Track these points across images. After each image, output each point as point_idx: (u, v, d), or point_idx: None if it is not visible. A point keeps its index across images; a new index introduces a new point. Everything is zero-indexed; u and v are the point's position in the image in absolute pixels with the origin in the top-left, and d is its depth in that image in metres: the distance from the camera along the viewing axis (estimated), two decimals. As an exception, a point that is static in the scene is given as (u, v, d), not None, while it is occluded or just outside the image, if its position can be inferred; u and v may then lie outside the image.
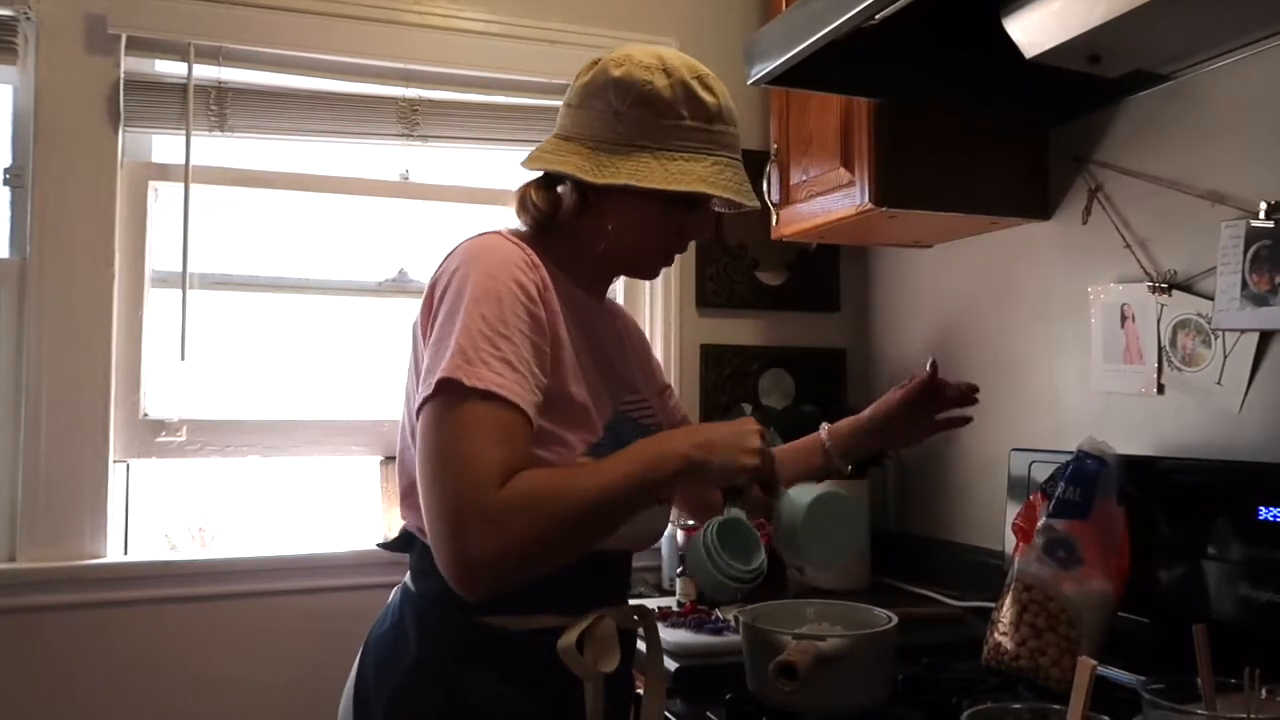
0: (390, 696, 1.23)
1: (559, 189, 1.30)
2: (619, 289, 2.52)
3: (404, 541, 1.31)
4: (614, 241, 1.28)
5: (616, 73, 1.24)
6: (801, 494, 1.27)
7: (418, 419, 1.12)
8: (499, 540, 1.05)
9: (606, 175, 1.22)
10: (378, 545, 1.39)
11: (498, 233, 1.26)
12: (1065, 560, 1.49)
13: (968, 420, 1.65)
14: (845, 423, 1.63)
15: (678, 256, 1.39)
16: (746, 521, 1.26)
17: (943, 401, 1.63)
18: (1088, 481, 1.51)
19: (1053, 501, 1.54)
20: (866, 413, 1.62)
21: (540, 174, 1.32)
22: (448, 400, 1.09)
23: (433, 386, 1.09)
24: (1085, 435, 1.58)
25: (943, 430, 1.66)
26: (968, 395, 1.63)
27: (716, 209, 1.34)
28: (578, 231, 1.29)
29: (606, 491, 1.11)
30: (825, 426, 1.63)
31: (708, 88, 1.25)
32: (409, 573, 1.32)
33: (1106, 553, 1.48)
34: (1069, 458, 1.58)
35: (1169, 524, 1.54)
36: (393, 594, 1.34)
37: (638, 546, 1.37)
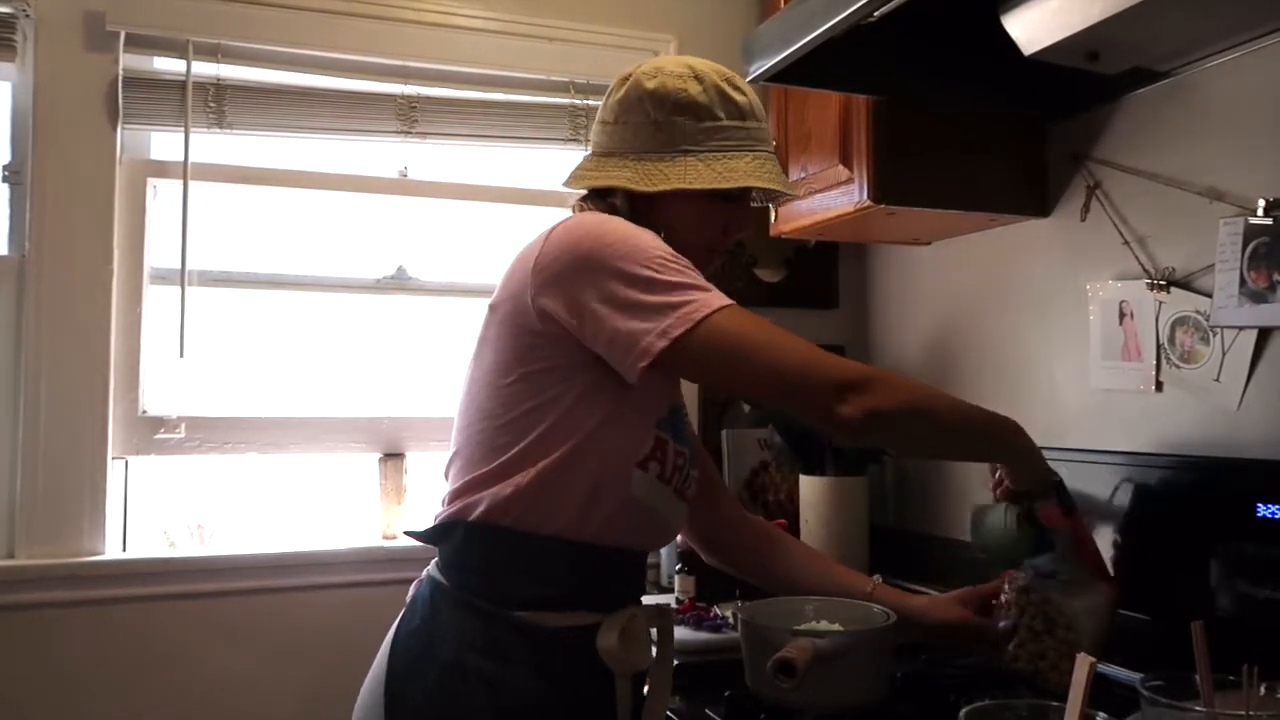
0: (428, 694, 1.22)
1: (609, 200, 1.35)
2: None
3: (439, 533, 1.30)
4: (669, 243, 1.31)
5: (650, 85, 1.31)
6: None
7: (672, 362, 1.17)
8: (870, 370, 1.23)
9: (657, 183, 1.28)
10: (406, 533, 1.38)
11: (589, 211, 1.33)
12: (1057, 574, 1.49)
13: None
14: (895, 597, 1.50)
15: None
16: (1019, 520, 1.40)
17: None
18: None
19: None
20: (923, 607, 1.50)
21: (584, 192, 1.37)
22: (723, 325, 1.19)
23: (695, 322, 1.17)
24: (1084, 432, 1.58)
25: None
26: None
27: (752, 203, 1.42)
28: None
29: (965, 410, 1.31)
30: (877, 581, 1.54)
31: (736, 88, 1.33)
32: (439, 567, 1.31)
33: (1100, 568, 1.48)
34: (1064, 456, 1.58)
35: (1167, 521, 1.54)
36: (415, 588, 1.34)
37: (656, 545, 1.39)
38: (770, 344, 1.21)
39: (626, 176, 1.30)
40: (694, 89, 1.30)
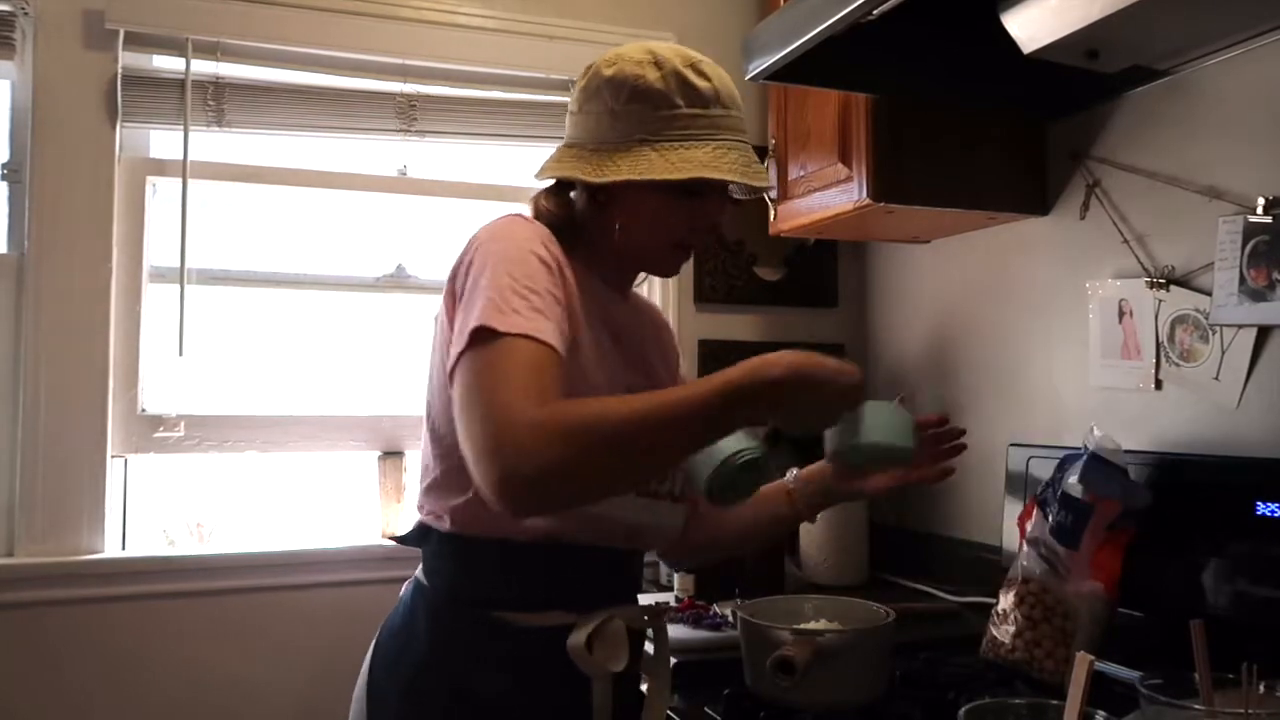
0: (403, 691, 1.24)
1: (571, 194, 1.32)
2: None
3: (418, 535, 1.31)
4: (624, 238, 1.29)
5: (609, 72, 1.26)
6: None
7: (452, 379, 1.10)
8: (545, 446, 1.00)
9: (607, 174, 1.22)
10: (391, 538, 1.39)
11: (518, 215, 1.28)
12: (1057, 568, 1.50)
13: (949, 473, 1.46)
14: (815, 467, 1.47)
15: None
16: (761, 468, 1.24)
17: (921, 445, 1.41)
18: (1080, 514, 1.50)
19: (1049, 519, 1.53)
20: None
21: (552, 182, 1.34)
22: (482, 347, 1.07)
23: (466, 337, 1.08)
24: (1084, 431, 1.58)
25: (917, 480, 1.45)
26: (950, 434, 1.45)
27: (735, 195, 1.33)
28: (593, 231, 1.30)
29: (676, 407, 1.07)
30: (794, 472, 1.49)
31: (701, 74, 1.25)
32: (421, 568, 1.32)
33: (1098, 569, 1.49)
34: (1068, 454, 1.58)
35: (1166, 519, 1.54)
36: (404, 588, 1.35)
37: (651, 545, 1.38)
38: (477, 391, 1.06)
39: (579, 167, 1.26)
40: (651, 75, 1.23)
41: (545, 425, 1.01)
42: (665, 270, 1.36)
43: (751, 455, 1.20)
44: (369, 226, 2.43)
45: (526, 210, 1.34)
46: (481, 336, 1.07)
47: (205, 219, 2.27)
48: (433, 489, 1.26)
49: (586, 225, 1.30)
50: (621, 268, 1.36)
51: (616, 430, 1.04)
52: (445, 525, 1.24)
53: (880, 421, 1.26)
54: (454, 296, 1.19)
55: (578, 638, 1.21)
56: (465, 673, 1.21)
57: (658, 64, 1.24)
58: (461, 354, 1.09)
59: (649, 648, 1.39)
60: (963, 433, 1.46)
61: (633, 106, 1.23)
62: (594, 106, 1.27)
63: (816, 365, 1.13)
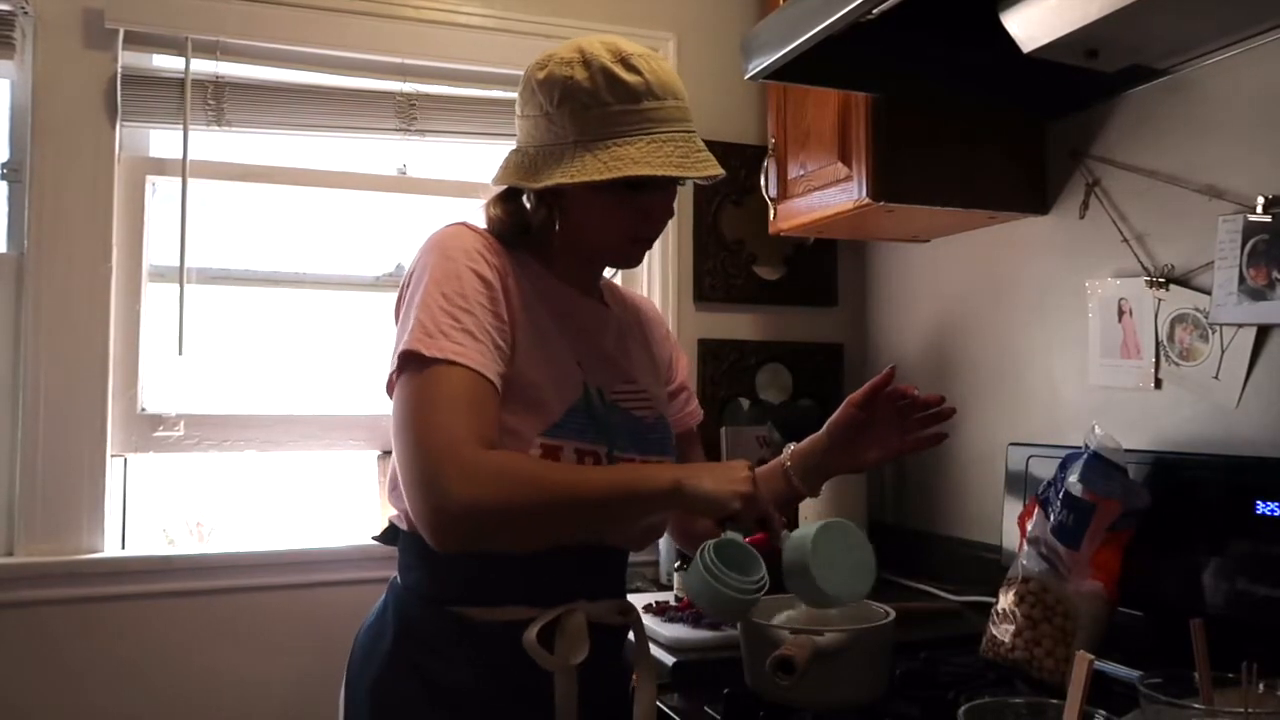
0: (371, 685, 1.27)
1: (523, 198, 1.33)
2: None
3: (390, 534, 1.35)
4: (577, 237, 1.31)
5: (540, 75, 1.26)
6: (803, 530, 1.28)
7: (390, 395, 1.17)
8: (474, 490, 1.08)
9: (542, 179, 1.24)
10: (372, 538, 1.41)
11: (461, 223, 1.30)
12: (1058, 568, 1.50)
13: (942, 438, 1.50)
14: (807, 441, 1.48)
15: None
16: (743, 542, 1.26)
17: (908, 412, 1.48)
18: (1082, 514, 1.50)
19: (1050, 518, 1.53)
20: (824, 427, 1.47)
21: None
22: (413, 372, 1.14)
23: (396, 361, 1.15)
24: (1083, 430, 1.58)
25: (913, 449, 1.49)
26: (932, 402, 1.48)
27: (699, 182, 1.30)
28: (547, 233, 1.32)
29: (583, 489, 1.16)
30: (790, 447, 1.50)
31: (631, 67, 1.23)
32: (396, 565, 1.35)
33: (1098, 569, 1.49)
34: (1070, 453, 1.58)
35: (1166, 519, 1.54)
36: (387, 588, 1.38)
37: (624, 542, 1.39)
38: (409, 418, 1.13)
39: (520, 174, 1.28)
40: (579, 75, 1.22)
41: (474, 469, 1.09)
42: (627, 263, 1.39)
43: (711, 544, 1.24)
44: (368, 226, 2.43)
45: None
46: (410, 361, 1.14)
47: (205, 218, 2.27)
48: (396, 490, 1.27)
49: (541, 228, 1.31)
50: (582, 265, 1.37)
51: (535, 493, 1.13)
52: (407, 525, 1.27)
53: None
54: (399, 305, 1.25)
55: (530, 632, 1.22)
56: (429, 666, 1.24)
57: (585, 62, 1.23)
58: (393, 375, 1.17)
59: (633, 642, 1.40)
60: (941, 400, 1.48)
61: (564, 108, 1.23)
62: (531, 110, 1.28)
63: (695, 472, 1.22)
